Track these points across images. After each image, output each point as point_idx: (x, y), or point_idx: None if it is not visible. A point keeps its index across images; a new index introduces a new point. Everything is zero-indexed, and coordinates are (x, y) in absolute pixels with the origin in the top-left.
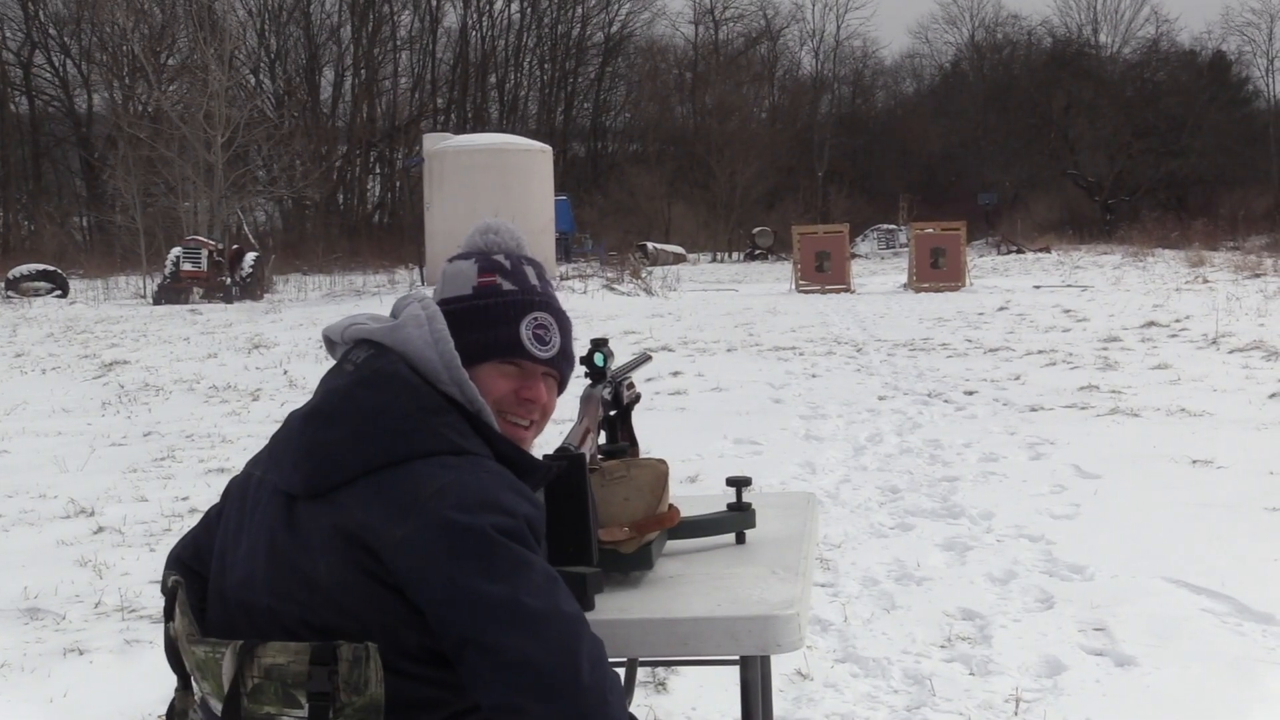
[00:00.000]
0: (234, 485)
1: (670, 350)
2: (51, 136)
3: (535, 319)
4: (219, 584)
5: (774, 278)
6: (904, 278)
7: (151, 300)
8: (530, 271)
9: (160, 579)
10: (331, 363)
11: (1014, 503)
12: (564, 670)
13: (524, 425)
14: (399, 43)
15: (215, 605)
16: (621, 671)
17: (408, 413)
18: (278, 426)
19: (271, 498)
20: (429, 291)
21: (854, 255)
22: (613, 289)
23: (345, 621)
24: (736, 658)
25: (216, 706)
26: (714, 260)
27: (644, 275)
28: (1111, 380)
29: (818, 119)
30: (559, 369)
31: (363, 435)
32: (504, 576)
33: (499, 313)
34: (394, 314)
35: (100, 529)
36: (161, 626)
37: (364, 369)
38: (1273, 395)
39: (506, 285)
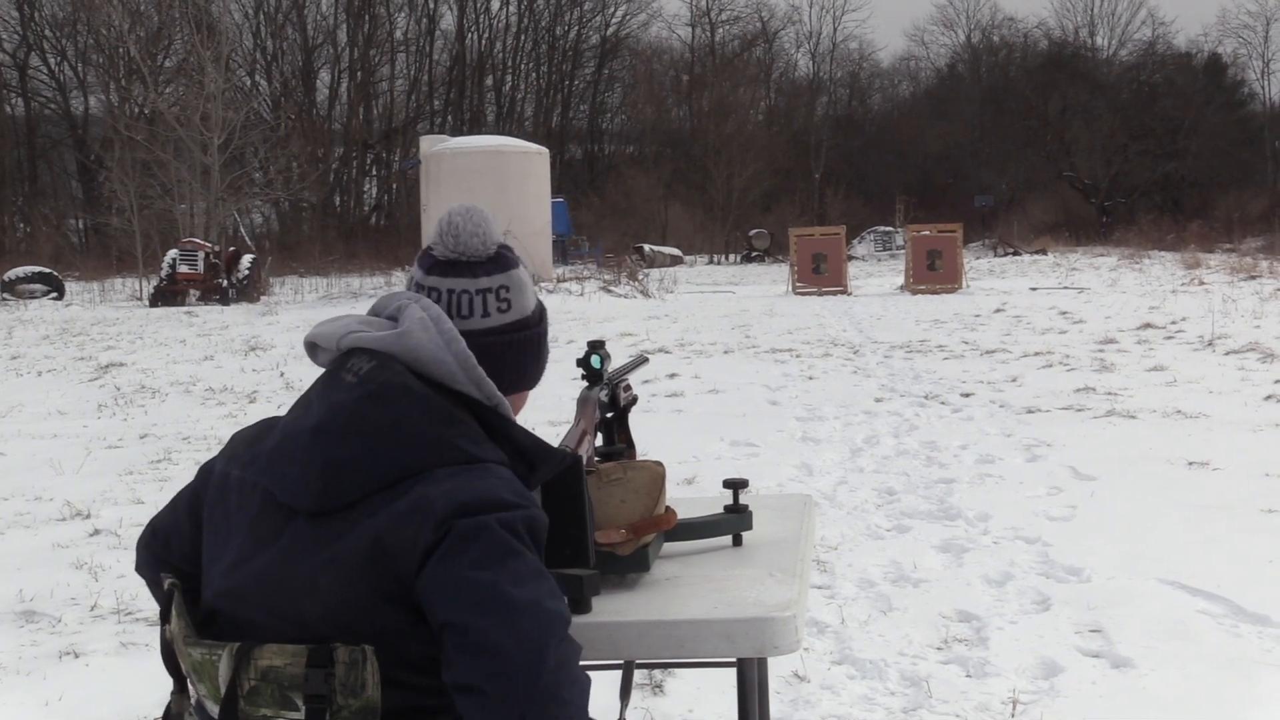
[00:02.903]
0: (212, 482)
1: (667, 352)
2: (47, 138)
3: None
4: (207, 594)
5: (771, 280)
6: (901, 280)
7: (148, 302)
8: None
9: (135, 563)
10: (316, 368)
11: (1010, 504)
12: (527, 659)
13: None
14: (395, 45)
15: (204, 613)
16: (618, 675)
17: (420, 427)
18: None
19: (266, 509)
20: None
21: (850, 257)
22: (609, 291)
23: (341, 634)
24: (733, 660)
25: (213, 709)
26: (711, 262)
27: (641, 277)
28: (1108, 382)
29: (814, 121)
30: None
31: (377, 452)
32: (491, 565)
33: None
34: (377, 314)
35: (96, 531)
36: (158, 629)
37: (370, 382)
38: (1268, 397)
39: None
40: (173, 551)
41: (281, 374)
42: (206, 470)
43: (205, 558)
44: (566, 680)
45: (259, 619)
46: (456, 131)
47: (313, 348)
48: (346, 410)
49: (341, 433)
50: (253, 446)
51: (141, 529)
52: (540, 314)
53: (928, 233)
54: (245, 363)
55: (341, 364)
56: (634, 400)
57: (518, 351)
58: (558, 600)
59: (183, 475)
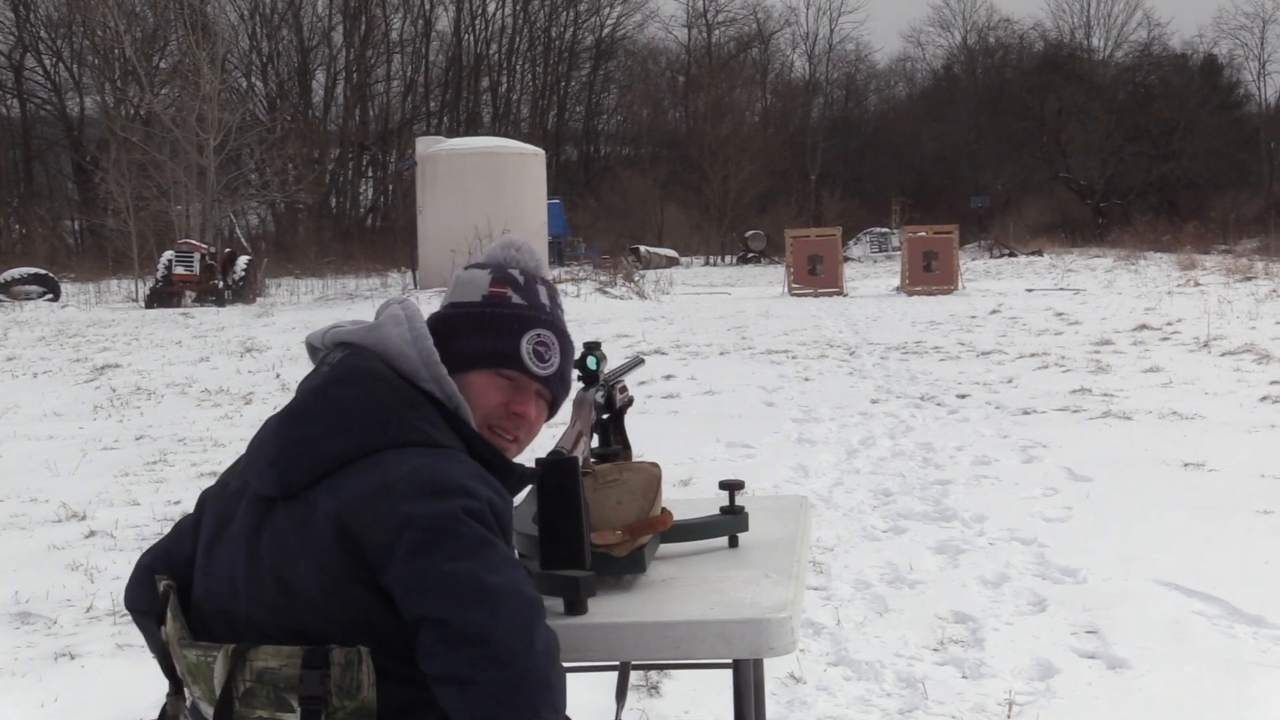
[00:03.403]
0: (209, 495)
1: (663, 354)
2: (43, 140)
3: (538, 335)
4: (196, 595)
5: (767, 281)
6: (896, 281)
7: (143, 304)
8: (543, 291)
9: (125, 589)
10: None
11: (1006, 506)
12: (516, 644)
13: (508, 439)
14: (391, 46)
15: (195, 617)
16: (614, 676)
17: (383, 405)
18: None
19: (248, 505)
20: (422, 295)
21: (846, 258)
22: (605, 292)
23: (328, 627)
24: (729, 661)
25: (208, 711)
26: (707, 264)
27: (637, 278)
28: (1103, 383)
29: (810, 122)
30: (553, 390)
31: (337, 428)
32: (465, 555)
33: (503, 323)
34: (377, 315)
35: (92, 533)
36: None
37: (340, 367)
38: (1264, 398)
39: (516, 299)
40: (175, 567)
41: (277, 375)
42: (207, 494)
43: (197, 561)
44: (553, 667)
45: (250, 614)
46: (452, 133)
47: (311, 349)
48: (313, 392)
49: (306, 413)
50: (246, 452)
51: (137, 530)
52: (467, 304)
53: (924, 234)
54: (241, 364)
55: (324, 357)
56: (630, 402)
57: (441, 325)
58: (532, 587)
59: (178, 477)
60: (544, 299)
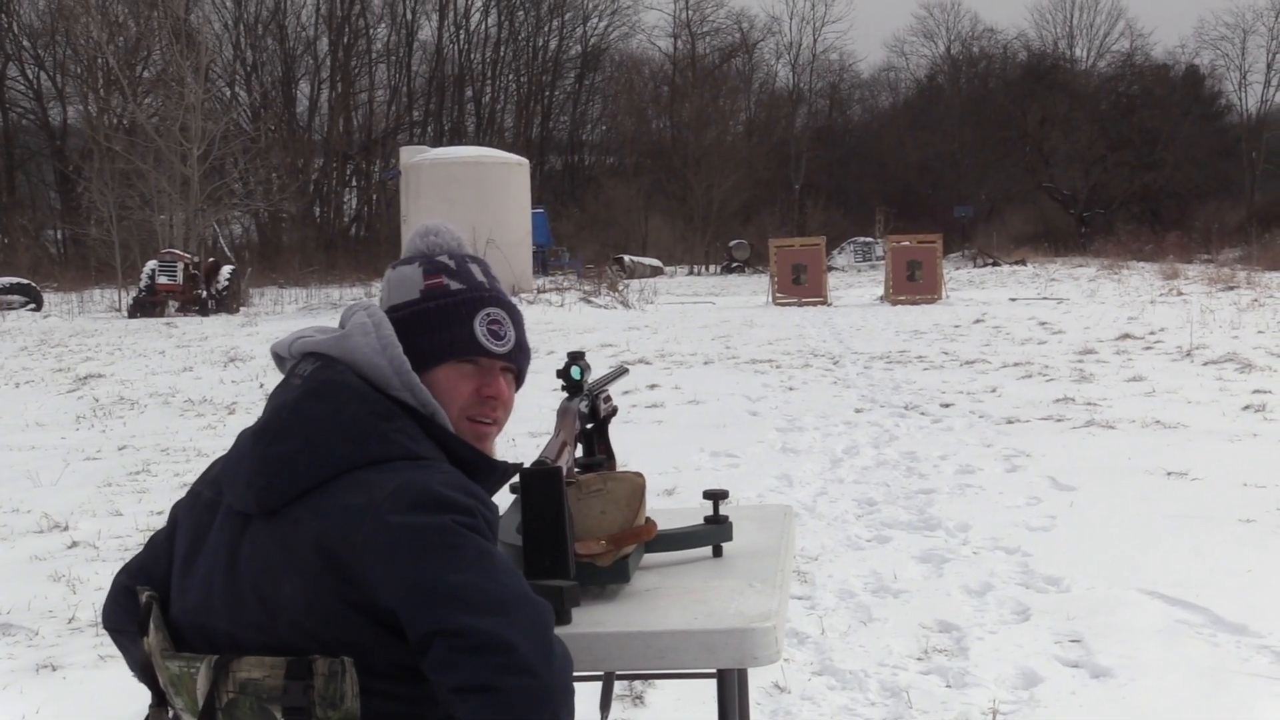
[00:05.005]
0: (181, 508)
1: (647, 363)
2: (25, 149)
3: (488, 315)
4: (174, 611)
5: (751, 290)
6: (880, 290)
7: (126, 313)
8: (476, 269)
9: (103, 608)
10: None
11: (990, 515)
12: (539, 650)
13: (488, 423)
14: (375, 56)
15: (173, 633)
16: (597, 687)
17: (358, 420)
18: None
19: (226, 519)
20: (375, 300)
21: (831, 268)
22: (590, 302)
23: (309, 644)
24: (713, 671)
25: None
26: (691, 273)
27: (621, 288)
28: (1087, 392)
29: (794, 132)
30: (516, 363)
31: (314, 446)
32: (470, 566)
33: (450, 313)
34: (342, 324)
35: (74, 544)
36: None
37: (311, 381)
38: (1246, 407)
39: (454, 285)
40: (154, 582)
41: (261, 385)
42: (178, 507)
43: (174, 577)
44: (568, 673)
45: (229, 630)
46: (436, 142)
47: (278, 358)
48: (288, 408)
49: (281, 430)
50: (221, 464)
51: (120, 541)
52: (408, 303)
53: (907, 243)
54: (224, 374)
55: (293, 369)
56: (614, 411)
57: (398, 329)
58: (533, 591)
59: (161, 487)
60: (480, 276)
